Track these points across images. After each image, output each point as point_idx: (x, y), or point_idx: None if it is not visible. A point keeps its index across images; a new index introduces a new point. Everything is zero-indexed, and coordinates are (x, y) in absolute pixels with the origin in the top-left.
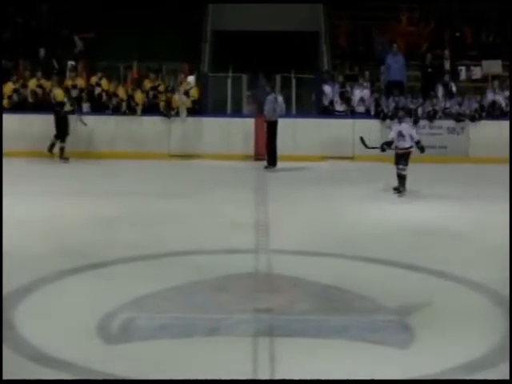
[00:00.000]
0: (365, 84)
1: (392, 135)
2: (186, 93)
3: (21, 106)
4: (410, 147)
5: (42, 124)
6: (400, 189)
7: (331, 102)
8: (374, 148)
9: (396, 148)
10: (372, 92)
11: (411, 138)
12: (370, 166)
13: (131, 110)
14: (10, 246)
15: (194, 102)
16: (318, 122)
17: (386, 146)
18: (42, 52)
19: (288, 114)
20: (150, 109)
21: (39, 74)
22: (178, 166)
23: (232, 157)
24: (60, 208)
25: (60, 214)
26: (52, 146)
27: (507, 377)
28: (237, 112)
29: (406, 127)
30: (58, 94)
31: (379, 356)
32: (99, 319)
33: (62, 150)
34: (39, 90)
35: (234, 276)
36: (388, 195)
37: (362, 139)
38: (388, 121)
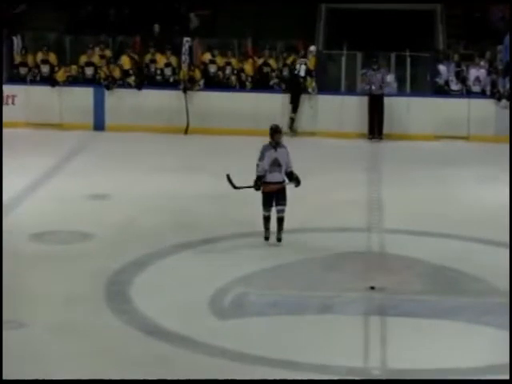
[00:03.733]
0: (481, 63)
1: (264, 165)
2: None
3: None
4: (284, 181)
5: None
6: (279, 236)
7: (446, 82)
8: (244, 188)
9: (266, 183)
10: (489, 72)
11: (287, 167)
12: (485, 147)
13: (241, 83)
14: (125, 220)
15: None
16: (432, 102)
17: (260, 182)
18: (156, 28)
19: (402, 92)
20: (264, 85)
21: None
22: (291, 144)
23: (346, 135)
24: (174, 184)
25: (175, 190)
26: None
27: None
28: (351, 90)
29: (282, 154)
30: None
31: (493, 339)
32: (211, 294)
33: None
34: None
35: (347, 254)
36: (503, 176)
37: (228, 178)
38: (504, 101)
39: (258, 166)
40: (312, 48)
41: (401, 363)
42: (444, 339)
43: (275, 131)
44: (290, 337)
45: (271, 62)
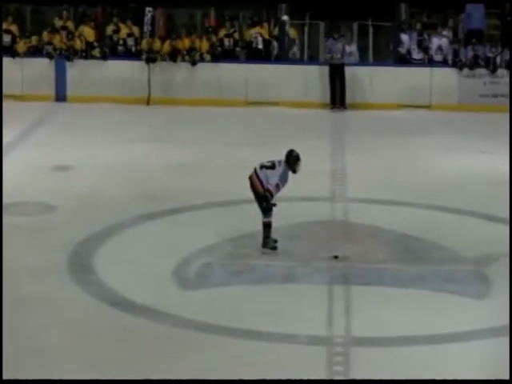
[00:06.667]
0: (444, 33)
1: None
2: None
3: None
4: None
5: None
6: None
7: (408, 51)
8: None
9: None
10: (451, 41)
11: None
12: (447, 116)
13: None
14: (89, 191)
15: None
16: (394, 71)
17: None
18: None
19: (365, 62)
20: (227, 55)
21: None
22: (255, 114)
23: (309, 105)
24: (138, 155)
25: (138, 161)
26: None
27: None
28: (313, 60)
29: None
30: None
31: (456, 306)
32: (175, 264)
33: None
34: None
35: (310, 224)
36: (465, 144)
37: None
38: (466, 70)
39: (278, 186)
40: (285, 17)
41: (365, 332)
42: (408, 307)
43: (297, 160)
44: (254, 306)
45: (236, 35)
